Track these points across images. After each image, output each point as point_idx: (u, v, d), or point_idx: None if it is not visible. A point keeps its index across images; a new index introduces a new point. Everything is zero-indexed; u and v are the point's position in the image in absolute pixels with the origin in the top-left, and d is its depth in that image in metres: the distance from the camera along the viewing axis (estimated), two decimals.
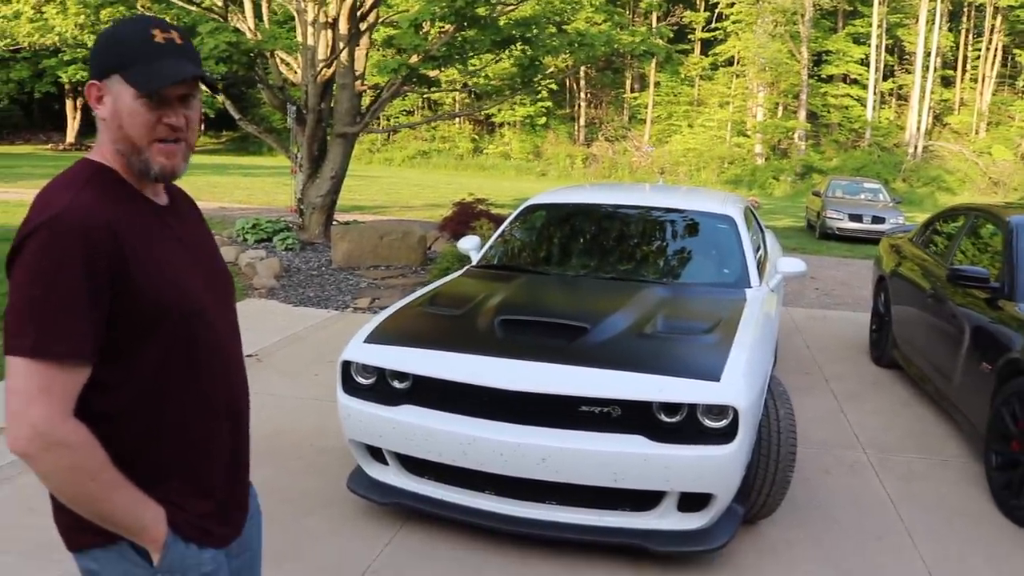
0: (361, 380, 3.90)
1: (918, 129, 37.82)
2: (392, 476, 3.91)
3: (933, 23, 37.93)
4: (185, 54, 1.60)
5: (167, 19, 10.59)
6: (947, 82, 41.70)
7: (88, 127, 42.18)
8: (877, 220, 17.06)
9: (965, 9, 41.57)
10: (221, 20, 11.46)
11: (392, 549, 3.72)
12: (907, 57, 41.13)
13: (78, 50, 14.42)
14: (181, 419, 1.62)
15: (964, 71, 42.04)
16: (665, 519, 3.52)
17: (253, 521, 1.90)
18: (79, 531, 1.57)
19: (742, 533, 3.85)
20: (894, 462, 4.97)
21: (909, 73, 39.96)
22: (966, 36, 42.15)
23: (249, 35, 11.52)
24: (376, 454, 3.94)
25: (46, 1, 11.93)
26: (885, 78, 41.09)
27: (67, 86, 39.30)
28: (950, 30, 40.98)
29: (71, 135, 42.21)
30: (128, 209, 1.57)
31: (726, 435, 3.38)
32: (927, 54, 37.95)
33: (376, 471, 3.96)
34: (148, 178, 1.61)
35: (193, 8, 11.80)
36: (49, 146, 41.13)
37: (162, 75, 1.54)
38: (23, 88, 38.97)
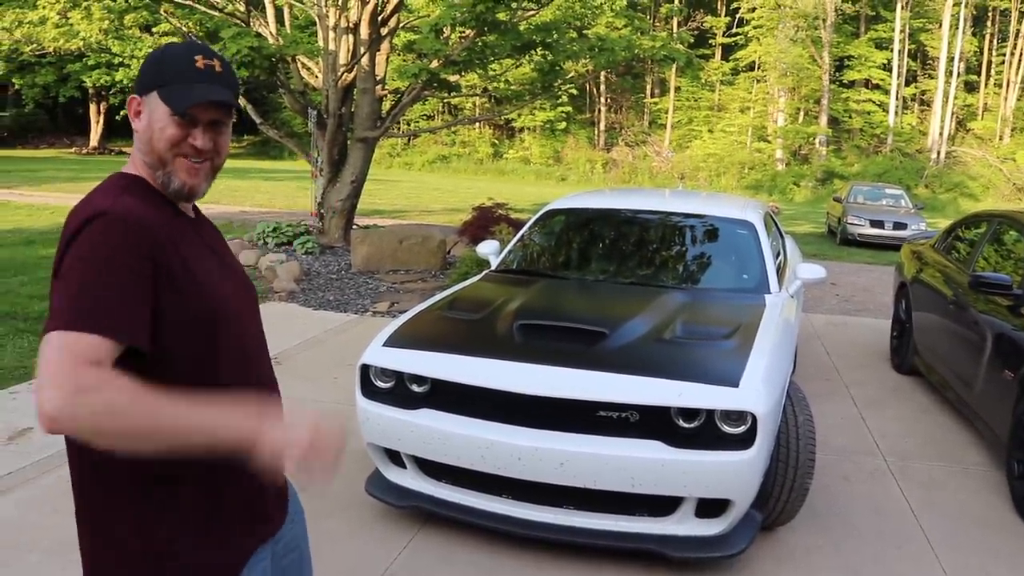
0: (380, 384, 3.91)
1: (941, 134, 37.54)
2: (410, 479, 3.92)
3: (957, 28, 37.66)
4: (221, 80, 1.65)
5: (189, 24, 10.69)
6: (971, 87, 41.40)
7: (111, 132, 42.62)
8: (899, 226, 16.96)
9: (989, 13, 41.29)
10: (243, 25, 11.55)
11: (409, 552, 3.73)
12: (930, 62, 40.88)
13: (102, 55, 14.54)
14: None
15: (988, 76, 41.71)
16: (682, 525, 3.51)
17: (297, 519, 1.91)
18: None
19: (760, 539, 3.84)
20: (914, 470, 4.94)
21: (932, 78, 39.71)
22: (990, 41, 41.85)
23: (271, 40, 11.61)
24: (394, 457, 3.95)
25: (71, 6, 12.05)
26: (908, 83, 40.83)
27: (91, 91, 39.63)
28: (974, 35, 40.69)
29: (94, 139, 42.59)
30: (165, 215, 1.61)
31: (744, 441, 3.37)
32: (950, 59, 37.68)
33: (394, 474, 3.97)
34: (167, 192, 1.65)
35: (215, 13, 11.90)
36: (73, 150, 41.51)
37: (192, 96, 1.60)
38: (48, 93, 39.34)
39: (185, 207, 1.71)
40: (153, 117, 1.61)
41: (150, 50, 1.69)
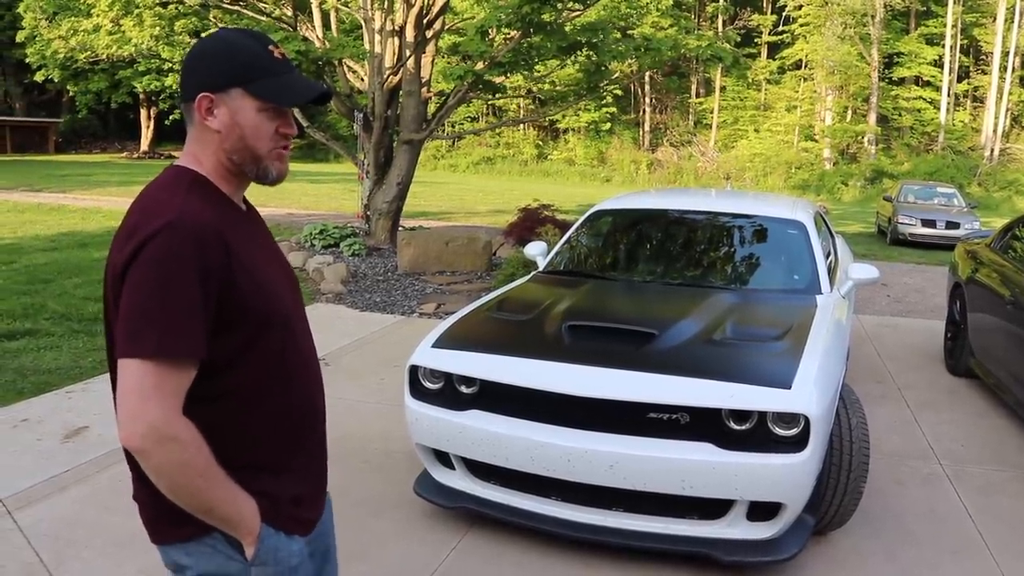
0: (428, 385, 3.92)
1: (995, 131, 36.75)
2: (459, 480, 3.92)
3: (1012, 21, 36.81)
4: (296, 70, 1.67)
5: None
6: None
7: (161, 136, 43.38)
8: (951, 225, 16.64)
9: None
10: (290, 29, 11.69)
11: (458, 553, 3.73)
12: (983, 57, 40.01)
13: (152, 61, 14.84)
14: (273, 421, 1.66)
15: None
16: (734, 528, 3.47)
17: (326, 509, 1.94)
18: (169, 524, 1.60)
19: (812, 544, 3.78)
20: (971, 474, 4.83)
21: (986, 74, 38.88)
22: None
23: (317, 44, 11.72)
24: (443, 458, 3.96)
25: (124, 14, 12.29)
26: (960, 79, 40.05)
27: (141, 96, 40.42)
28: None
29: (145, 143, 43.44)
30: (227, 215, 1.61)
31: (797, 444, 3.32)
32: (1005, 54, 36.85)
33: (443, 475, 3.98)
34: (266, 182, 1.67)
35: (263, 18, 12.05)
36: (124, 154, 42.36)
37: (300, 90, 1.63)
38: (100, 99, 40.23)
39: (239, 201, 1.71)
40: (241, 115, 1.59)
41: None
